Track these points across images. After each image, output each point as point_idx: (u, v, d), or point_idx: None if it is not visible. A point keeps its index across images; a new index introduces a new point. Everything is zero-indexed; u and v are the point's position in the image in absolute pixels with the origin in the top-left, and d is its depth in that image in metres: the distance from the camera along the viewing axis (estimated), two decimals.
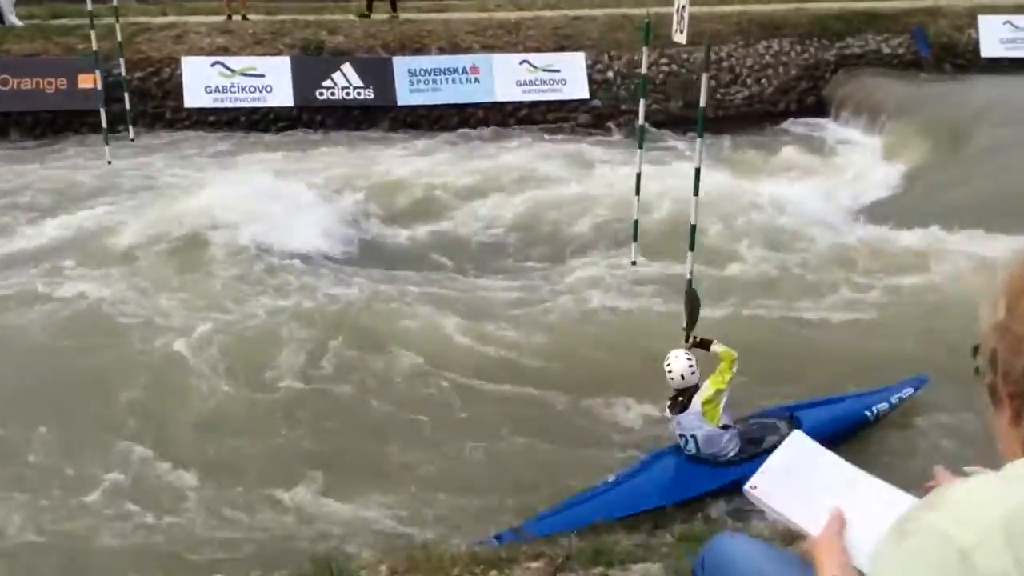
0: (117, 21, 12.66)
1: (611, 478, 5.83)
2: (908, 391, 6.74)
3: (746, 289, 8.90)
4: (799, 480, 1.80)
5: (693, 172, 7.31)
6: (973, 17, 16.95)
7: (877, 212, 11.80)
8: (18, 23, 15.89)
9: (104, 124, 12.10)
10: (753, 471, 4.90)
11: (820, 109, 16.42)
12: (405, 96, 15.62)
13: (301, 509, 5.85)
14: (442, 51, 16.17)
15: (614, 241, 10.04)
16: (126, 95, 12.71)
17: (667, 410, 5.98)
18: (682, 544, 3.75)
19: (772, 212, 11.01)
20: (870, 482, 1.78)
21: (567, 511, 5.50)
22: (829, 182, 13.15)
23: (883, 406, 6.56)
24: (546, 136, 15.22)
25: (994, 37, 16.67)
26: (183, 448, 6.44)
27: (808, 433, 5.13)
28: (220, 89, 14.91)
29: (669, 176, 11.00)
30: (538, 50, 16.30)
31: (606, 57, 16.39)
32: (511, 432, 6.70)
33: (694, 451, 5.85)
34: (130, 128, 12.68)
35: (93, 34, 11.78)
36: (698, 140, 7.55)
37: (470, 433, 6.66)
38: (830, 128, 15.75)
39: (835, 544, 1.66)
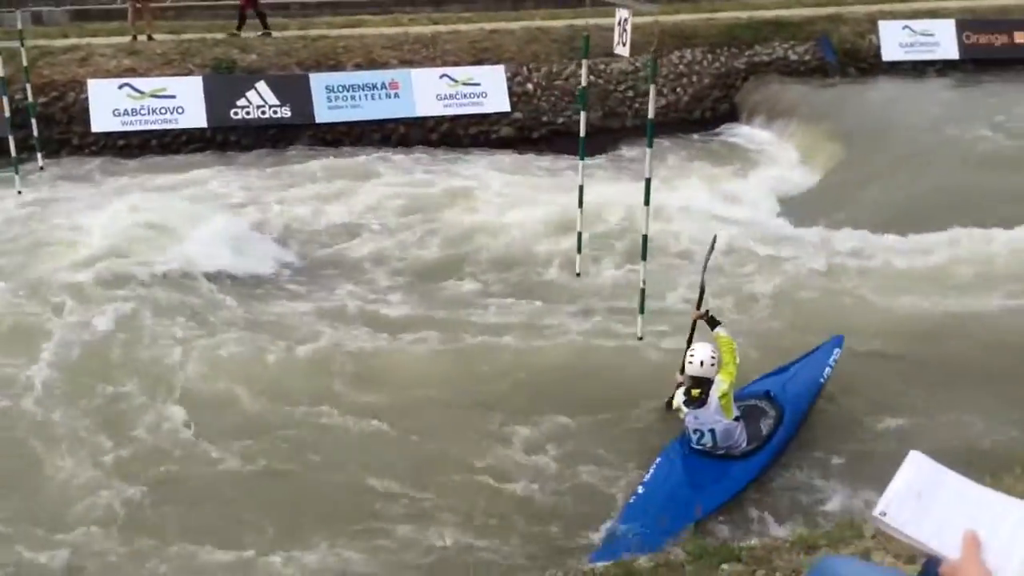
0: (22, 45, 12.05)
1: (640, 489, 5.73)
2: (837, 351, 6.99)
3: (671, 285, 9.10)
4: (929, 503, 1.77)
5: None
6: (873, 23, 17.67)
7: (791, 211, 12.20)
8: None
9: (13, 153, 11.47)
10: (770, 460, 4.96)
11: (734, 116, 16.85)
12: (323, 113, 15.32)
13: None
14: (359, 67, 15.94)
15: (557, 254, 10.02)
16: (33, 121, 12.08)
17: (681, 405, 5.95)
18: (703, 560, 3.72)
19: (694, 216, 11.21)
20: (998, 500, 1.77)
21: (627, 538, 5.23)
22: (745, 185, 13.51)
23: (827, 370, 6.79)
24: (472, 149, 15.17)
25: (894, 41, 17.40)
26: (136, 510, 6.05)
27: (791, 409, 5.26)
28: (129, 112, 14.34)
29: (597, 185, 11.10)
30: (457, 64, 16.23)
31: (525, 70, 16.44)
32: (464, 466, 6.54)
33: (710, 444, 5.90)
34: (39, 156, 12.05)
35: None
36: (647, 151, 7.60)
37: (434, 467, 6.49)
38: (744, 134, 16.18)
39: (976, 567, 1.65)
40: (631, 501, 5.65)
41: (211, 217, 10.91)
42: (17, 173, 11.44)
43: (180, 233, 10.26)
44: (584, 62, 9.30)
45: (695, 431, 5.95)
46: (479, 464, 6.34)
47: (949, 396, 7.02)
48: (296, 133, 15.09)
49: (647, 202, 7.59)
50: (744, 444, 5.98)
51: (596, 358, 7.77)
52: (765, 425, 6.06)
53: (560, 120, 16.19)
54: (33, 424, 6.84)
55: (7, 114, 11.57)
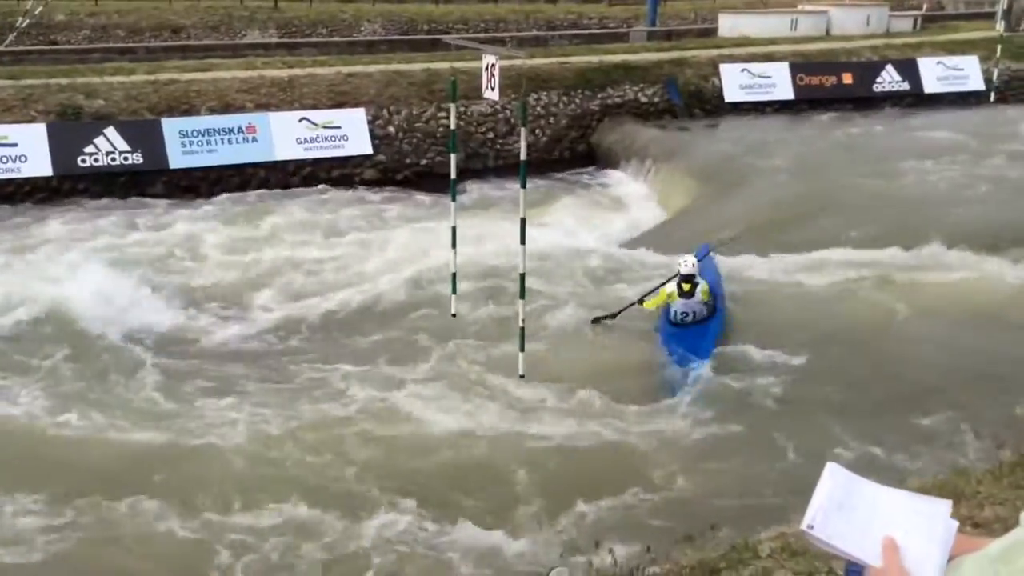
0: None
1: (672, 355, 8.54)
2: (712, 254, 10.02)
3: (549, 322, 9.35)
4: (850, 513, 1.88)
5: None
6: (715, 67, 18.73)
7: (646, 242, 12.69)
8: None
9: None
10: (718, 322, 8.17)
11: (591, 155, 17.43)
12: (178, 159, 14.86)
13: None
14: (213, 111, 15.57)
15: (431, 296, 10.04)
16: None
17: (676, 296, 8.76)
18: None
19: (554, 254, 11.48)
20: (910, 500, 1.90)
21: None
22: (603, 221, 13.99)
23: (717, 268, 9.80)
24: (331, 192, 15.02)
25: (735, 84, 18.49)
26: None
27: (719, 295, 8.37)
28: None
29: (467, 225, 11.21)
30: (315, 107, 16.11)
31: (386, 112, 16.49)
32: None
33: (690, 319, 8.84)
34: None
35: None
36: (521, 191, 7.76)
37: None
38: (601, 172, 16.76)
39: (896, 572, 1.78)
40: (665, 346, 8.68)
41: (53, 269, 10.37)
42: None
43: (25, 288, 9.68)
44: (452, 106, 9.43)
45: (683, 312, 8.80)
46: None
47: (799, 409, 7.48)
48: (149, 180, 14.56)
49: (523, 241, 7.74)
50: (705, 315, 8.89)
51: (477, 399, 7.81)
52: (708, 307, 8.93)
53: (423, 162, 16.31)
54: None
55: None
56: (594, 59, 19.18)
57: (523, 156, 7.70)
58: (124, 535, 6.15)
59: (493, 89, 8.14)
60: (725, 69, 18.65)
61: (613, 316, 9.19)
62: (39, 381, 8.23)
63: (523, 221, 7.72)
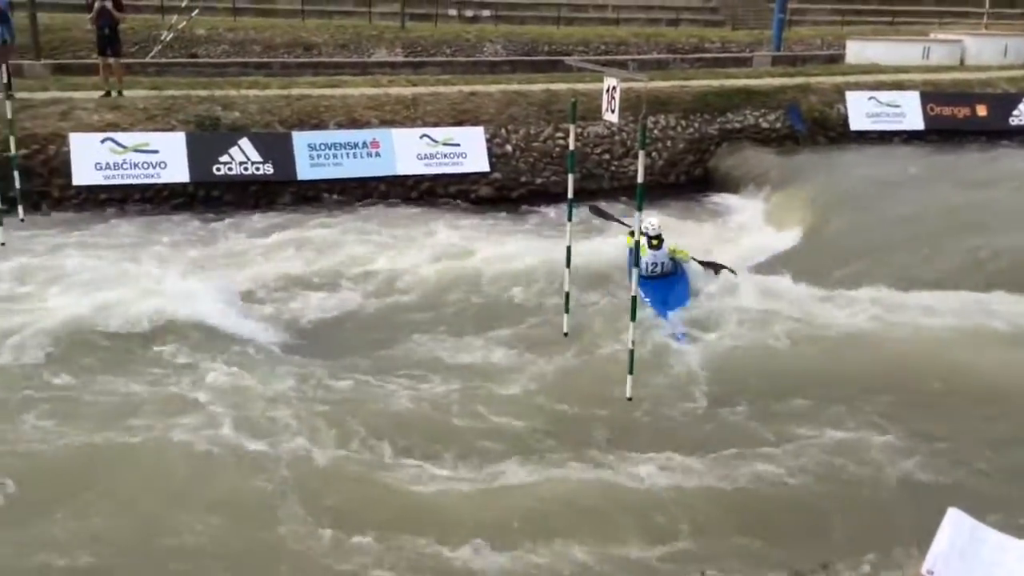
0: (9, 98, 12.11)
1: (646, 297, 9.71)
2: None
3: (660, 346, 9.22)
4: (972, 561, 1.86)
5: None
6: (841, 94, 18.31)
7: (765, 270, 12.46)
8: None
9: (1, 204, 11.44)
10: (684, 275, 9.65)
11: (707, 180, 17.27)
12: (305, 171, 15.46)
13: None
14: (341, 126, 16.16)
15: (544, 312, 10.16)
16: (16, 174, 12.05)
17: (646, 249, 9.96)
18: None
19: None
20: None
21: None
22: (720, 247, 13.81)
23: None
24: (450, 206, 15.36)
25: (861, 112, 18.02)
26: None
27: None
28: (111, 166, 14.35)
29: (580, 245, 11.31)
30: (437, 124, 16.51)
31: (504, 131, 16.76)
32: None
33: (659, 271, 10.28)
34: (19, 208, 12.00)
35: None
36: (637, 214, 7.78)
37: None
38: (718, 197, 16.57)
39: None
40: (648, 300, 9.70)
41: (192, 274, 10.95)
42: (1, 224, 11.38)
43: (160, 289, 10.24)
44: (572, 127, 9.54)
45: (654, 263, 10.23)
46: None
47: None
48: (278, 190, 15.20)
49: (636, 263, 7.76)
50: (671, 268, 10.31)
51: (585, 418, 7.87)
52: (674, 263, 10.41)
53: (538, 180, 16.49)
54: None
55: None
56: (715, 83, 19.04)
57: (640, 178, 7.73)
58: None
59: (613, 111, 8.21)
60: (851, 96, 18.20)
61: (605, 216, 11.52)
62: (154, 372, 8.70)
63: (637, 244, 7.74)
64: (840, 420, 7.81)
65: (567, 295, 9.34)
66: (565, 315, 9.39)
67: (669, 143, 17.39)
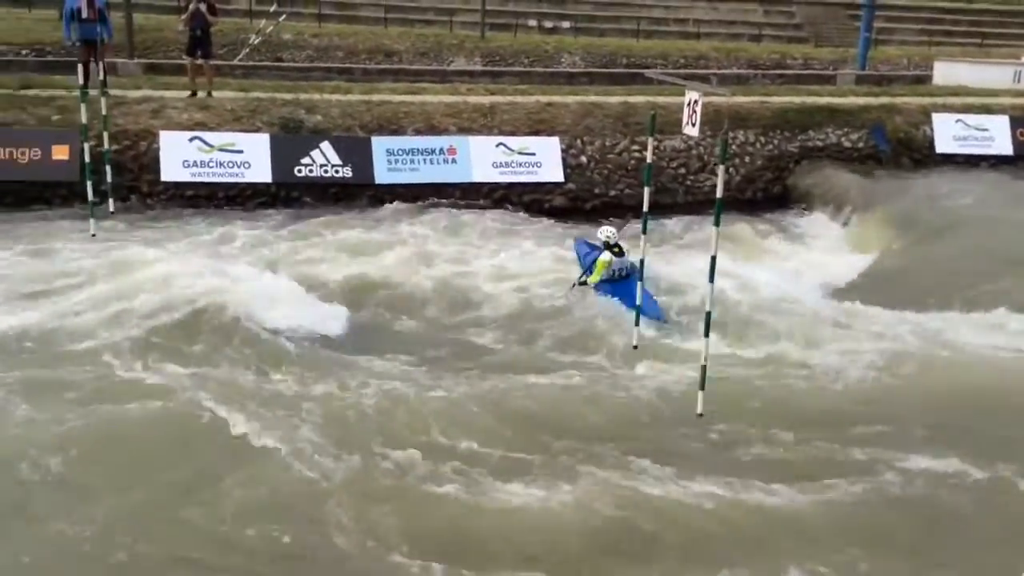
0: (104, 95, 12.58)
1: (615, 300, 10.77)
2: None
3: (735, 361, 9.20)
4: None
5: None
6: (927, 115, 17.87)
7: (844, 294, 12.21)
8: None
9: (90, 197, 11.88)
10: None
11: (785, 198, 17.00)
12: (383, 175, 15.70)
13: None
14: (419, 132, 16.37)
15: (614, 324, 10.13)
16: (108, 168, 12.50)
17: (611, 256, 11.13)
18: None
19: (745, 293, 11.31)
20: None
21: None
22: (799, 267, 13.59)
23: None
24: (524, 215, 15.43)
25: (947, 134, 17.56)
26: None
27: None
28: (198, 164, 14.79)
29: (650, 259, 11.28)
30: (513, 133, 16.61)
31: (579, 142, 16.78)
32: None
33: (625, 273, 11.10)
34: (110, 201, 12.44)
35: (83, 107, 11.60)
36: (714, 229, 7.70)
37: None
38: (796, 217, 16.30)
39: None
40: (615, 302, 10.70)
41: (273, 270, 11.22)
42: (93, 217, 11.83)
43: (238, 284, 10.48)
44: (650, 139, 9.50)
45: (620, 268, 11.18)
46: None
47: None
48: (356, 192, 15.45)
49: (711, 279, 7.68)
50: (631, 271, 10.81)
51: (654, 433, 7.83)
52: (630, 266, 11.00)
53: (612, 192, 16.45)
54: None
55: (88, 159, 11.99)
56: (796, 100, 18.76)
57: (719, 193, 7.65)
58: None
59: (693, 125, 8.16)
60: (938, 118, 17.74)
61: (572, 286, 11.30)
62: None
63: (713, 259, 7.65)
64: (928, 447, 7.61)
65: (638, 308, 9.30)
66: (636, 328, 9.35)
67: (747, 159, 17.18)
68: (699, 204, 16.49)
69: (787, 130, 17.55)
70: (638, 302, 9.38)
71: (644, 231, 9.24)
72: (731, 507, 6.74)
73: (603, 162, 16.64)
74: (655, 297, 10.75)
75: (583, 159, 16.62)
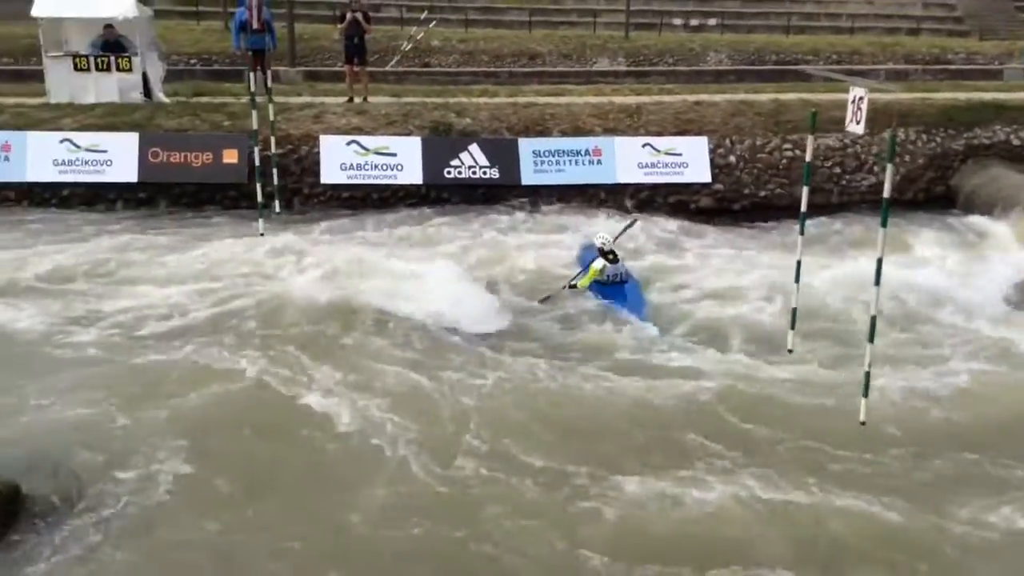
0: (270, 101, 13.28)
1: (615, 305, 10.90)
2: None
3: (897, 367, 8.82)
4: None
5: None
6: None
7: (1014, 299, 11.51)
8: (165, 100, 16.78)
9: (260, 198, 12.60)
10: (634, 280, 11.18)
11: (948, 199, 16.18)
12: (529, 176, 15.90)
13: None
14: (564, 133, 16.48)
15: (767, 329, 9.94)
16: (275, 171, 13.21)
17: (604, 263, 11.21)
18: None
19: (909, 297, 10.87)
20: None
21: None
22: (965, 270, 12.89)
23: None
24: (671, 215, 15.31)
25: None
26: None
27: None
28: (354, 166, 15.37)
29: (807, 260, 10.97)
30: (660, 134, 16.48)
31: (728, 142, 16.48)
32: None
33: (619, 279, 11.27)
34: (276, 203, 13.13)
35: (254, 113, 12.31)
36: (881, 231, 7.45)
37: None
38: (962, 217, 15.47)
39: None
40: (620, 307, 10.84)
41: (435, 269, 11.52)
42: (262, 217, 12.52)
43: (405, 283, 10.85)
44: (811, 137, 9.25)
45: (614, 274, 11.25)
46: None
47: None
48: (502, 194, 15.70)
49: (877, 282, 7.43)
50: (625, 278, 11.30)
51: (814, 441, 7.64)
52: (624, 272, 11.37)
53: (762, 193, 16.08)
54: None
55: (258, 163, 12.71)
56: (961, 96, 17.83)
57: (886, 193, 7.40)
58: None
59: (858, 122, 7.92)
60: None
61: (546, 299, 11.22)
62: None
63: (879, 262, 7.40)
64: None
65: (794, 311, 9.08)
66: (790, 332, 9.13)
67: (908, 158, 16.44)
68: (854, 204, 15.95)
69: (951, 128, 16.69)
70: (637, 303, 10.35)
71: (802, 232, 9.00)
72: (899, 521, 6.50)
73: (752, 162, 16.29)
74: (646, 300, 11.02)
75: (731, 159, 16.32)
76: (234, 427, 7.78)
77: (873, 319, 7.46)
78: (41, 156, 15.06)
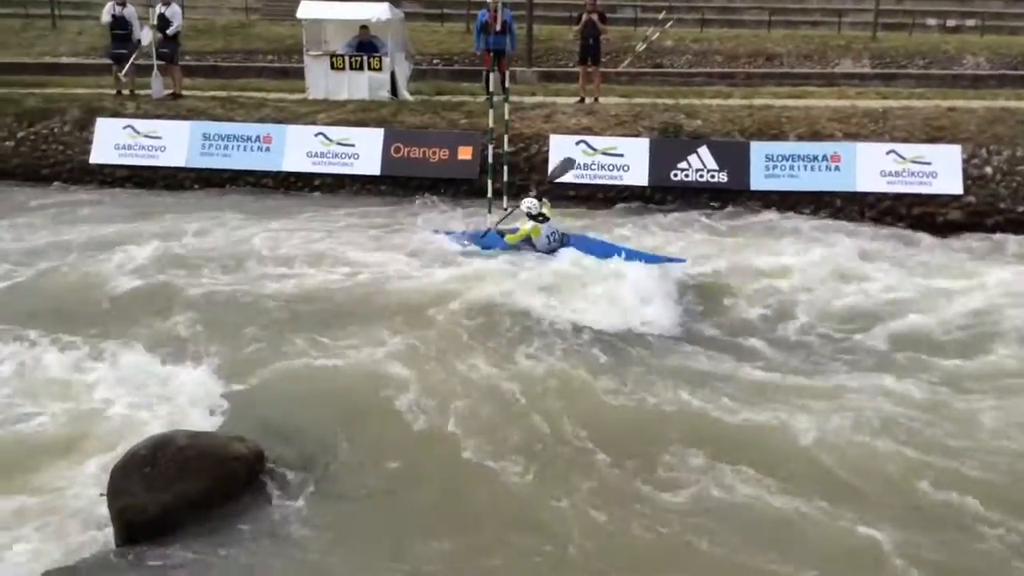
0: (506, 101, 13.72)
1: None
2: (665, 262, 11.15)
3: None
4: None
5: None
6: None
7: None
8: (410, 98, 17.77)
9: (490, 193, 13.09)
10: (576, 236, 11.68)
11: None
12: (759, 181, 15.44)
13: None
14: (801, 137, 15.86)
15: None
16: (505, 168, 13.64)
17: (539, 224, 11.26)
18: None
19: None
20: None
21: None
22: None
23: (645, 259, 11.06)
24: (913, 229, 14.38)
25: None
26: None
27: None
28: (581, 166, 15.55)
29: None
30: (907, 140, 15.49)
31: (984, 151, 15.22)
32: None
33: (557, 241, 11.35)
34: (505, 198, 13.55)
35: (491, 113, 12.80)
36: None
37: None
38: None
39: None
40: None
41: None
42: (491, 211, 12.98)
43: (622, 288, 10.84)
44: None
45: (551, 233, 11.32)
46: None
47: None
48: (729, 198, 15.35)
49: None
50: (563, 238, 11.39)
51: None
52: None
53: (1020, 208, 14.74)
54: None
55: (491, 160, 13.21)
56: None
57: None
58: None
59: None
60: None
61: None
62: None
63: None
64: None
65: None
66: None
67: None
68: None
69: None
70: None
71: None
72: None
73: (1012, 174, 14.98)
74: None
75: (987, 170, 15.07)
76: (507, 411, 7.96)
77: None
78: (297, 148, 16.44)
